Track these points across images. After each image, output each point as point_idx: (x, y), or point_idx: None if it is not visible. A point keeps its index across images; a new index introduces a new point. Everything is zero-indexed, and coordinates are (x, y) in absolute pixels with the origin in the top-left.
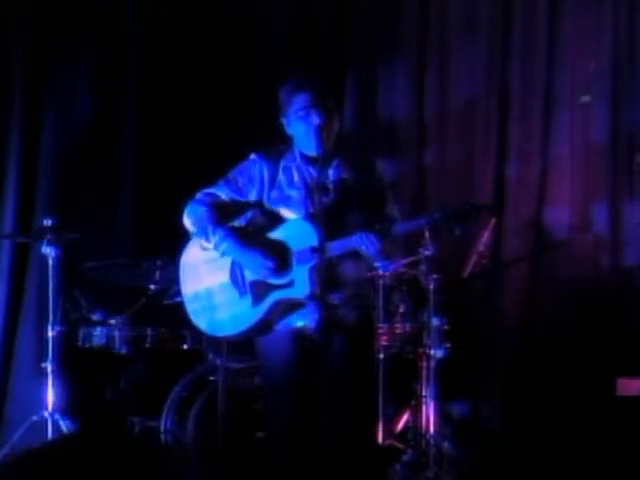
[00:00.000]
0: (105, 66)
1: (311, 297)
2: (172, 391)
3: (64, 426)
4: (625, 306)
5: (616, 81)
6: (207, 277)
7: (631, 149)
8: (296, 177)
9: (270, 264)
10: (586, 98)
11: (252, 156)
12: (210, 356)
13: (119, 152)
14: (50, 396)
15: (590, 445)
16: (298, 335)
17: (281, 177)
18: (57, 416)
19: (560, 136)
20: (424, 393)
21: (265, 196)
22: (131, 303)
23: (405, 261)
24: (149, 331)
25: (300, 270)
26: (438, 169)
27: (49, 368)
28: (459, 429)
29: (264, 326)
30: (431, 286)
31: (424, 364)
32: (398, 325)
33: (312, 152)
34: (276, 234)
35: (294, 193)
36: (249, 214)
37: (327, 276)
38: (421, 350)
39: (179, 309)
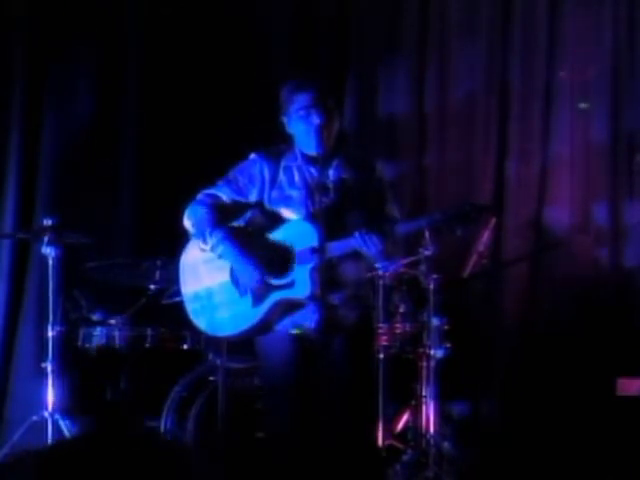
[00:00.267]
0: (105, 66)
1: (311, 297)
2: (172, 391)
3: (64, 426)
4: (625, 306)
5: (616, 81)
6: (207, 277)
7: (631, 149)
8: (297, 177)
9: (258, 277)
10: (584, 105)
11: (252, 156)
12: (210, 356)
13: (119, 152)
14: (50, 396)
15: (590, 445)
16: (298, 335)
17: (282, 177)
18: (57, 416)
19: (560, 136)
20: (424, 393)
21: (266, 196)
22: (131, 303)
23: (405, 261)
24: (149, 331)
25: (300, 270)
26: (438, 169)
27: (49, 368)
28: (459, 429)
29: (264, 326)
30: (431, 286)
31: (424, 364)
32: (398, 325)
33: (312, 152)
34: (276, 234)
35: (295, 193)
36: (248, 214)
37: (327, 276)
38: (421, 350)
39: (179, 309)
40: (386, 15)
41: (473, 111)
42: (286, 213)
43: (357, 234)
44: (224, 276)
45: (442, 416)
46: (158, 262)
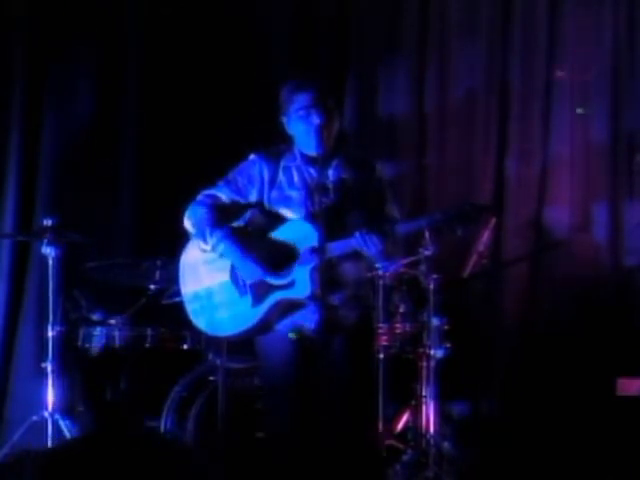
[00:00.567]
0: (105, 66)
1: (311, 297)
2: (172, 391)
3: (64, 426)
4: (625, 306)
5: (616, 81)
6: (207, 277)
7: (631, 149)
8: (296, 177)
9: (260, 272)
10: (581, 110)
11: (252, 156)
12: (210, 356)
13: (119, 152)
14: (50, 396)
15: (590, 445)
16: (297, 338)
17: (281, 177)
18: (57, 416)
19: (560, 136)
20: (424, 393)
21: (265, 196)
22: (131, 303)
23: (405, 261)
24: (149, 331)
25: (301, 270)
26: (438, 169)
27: (49, 368)
28: (459, 429)
29: (264, 326)
30: (431, 286)
31: (424, 364)
32: (398, 325)
33: (312, 152)
34: (276, 235)
35: (294, 193)
36: (248, 214)
37: (327, 276)
38: (421, 350)
39: (179, 309)
40: (386, 15)
41: (473, 111)
42: (286, 213)
43: (357, 234)
44: (224, 276)
45: (442, 416)
46: (158, 262)
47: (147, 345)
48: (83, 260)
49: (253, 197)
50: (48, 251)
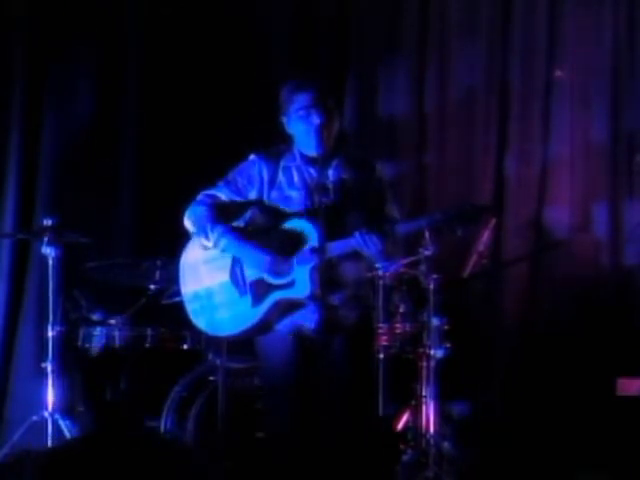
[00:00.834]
0: (105, 66)
1: (311, 297)
2: (172, 391)
3: (64, 426)
4: (625, 306)
5: (616, 81)
6: (207, 277)
7: (631, 149)
8: (296, 177)
9: (268, 258)
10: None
11: (251, 157)
12: (210, 356)
13: (119, 152)
14: (50, 396)
15: (590, 445)
16: (298, 335)
17: (281, 178)
18: (57, 416)
19: (560, 136)
20: (424, 393)
21: (265, 197)
22: (131, 303)
23: (405, 261)
24: (149, 331)
25: (301, 270)
26: (438, 169)
27: (49, 368)
28: (459, 429)
29: (264, 326)
30: (431, 286)
31: (424, 364)
32: (398, 325)
33: (312, 152)
34: (279, 230)
35: (294, 193)
36: (248, 214)
37: (327, 276)
38: (421, 350)
39: (179, 309)
40: (386, 15)
41: (473, 111)
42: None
43: (357, 234)
44: (224, 276)
45: (442, 416)
46: (158, 262)
47: (147, 345)
48: (83, 260)
49: (252, 197)
50: (48, 251)
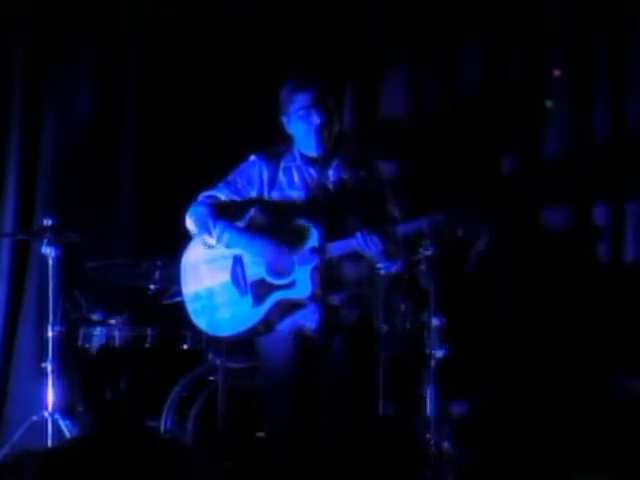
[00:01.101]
0: (105, 66)
1: (312, 298)
2: (172, 391)
3: (64, 426)
4: (625, 306)
5: (616, 81)
6: (208, 277)
7: (631, 149)
8: (296, 178)
9: (273, 248)
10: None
11: (252, 157)
12: (210, 356)
13: (119, 152)
14: (50, 396)
15: (590, 445)
16: (298, 335)
17: (281, 178)
18: (57, 416)
19: (560, 136)
20: (424, 393)
21: (265, 197)
22: (131, 303)
23: (406, 261)
24: (149, 331)
25: (301, 270)
26: (438, 169)
27: (49, 368)
28: (459, 429)
29: (265, 326)
30: (431, 286)
31: (424, 364)
32: (398, 325)
33: (312, 152)
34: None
35: (294, 194)
36: (250, 213)
37: (328, 277)
38: (421, 350)
39: (179, 309)
40: (386, 15)
41: (473, 111)
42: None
43: (358, 234)
44: (225, 276)
45: (442, 416)
46: (158, 262)
47: (147, 345)
48: (83, 260)
49: (252, 197)
50: (48, 251)
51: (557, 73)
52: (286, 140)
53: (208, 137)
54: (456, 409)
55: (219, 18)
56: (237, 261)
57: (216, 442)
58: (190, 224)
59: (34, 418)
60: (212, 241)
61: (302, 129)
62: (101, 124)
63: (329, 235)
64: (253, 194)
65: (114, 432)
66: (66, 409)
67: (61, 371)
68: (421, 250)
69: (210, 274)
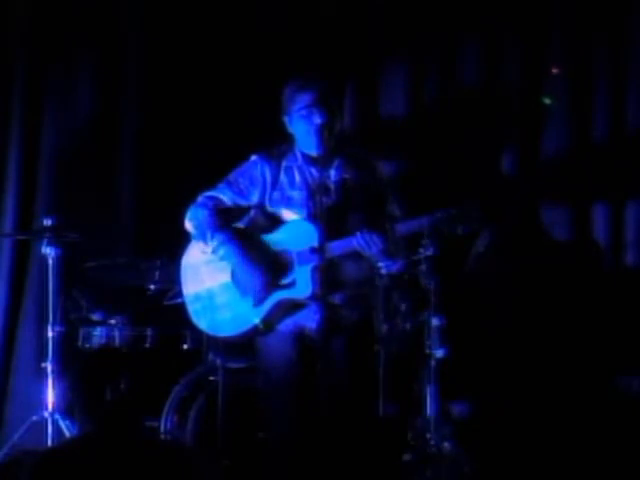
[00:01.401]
0: (105, 66)
1: (312, 297)
2: (172, 391)
3: (64, 426)
4: (625, 306)
5: (616, 81)
6: (208, 278)
7: (631, 149)
8: (298, 178)
9: (262, 281)
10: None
11: (253, 157)
12: (210, 356)
13: (119, 152)
14: (50, 396)
15: (590, 445)
16: (299, 335)
17: (283, 178)
18: (57, 416)
19: (560, 135)
20: (424, 393)
21: (267, 197)
22: (131, 303)
23: (407, 260)
24: (149, 331)
25: (302, 270)
26: (438, 169)
27: (49, 368)
28: (459, 429)
29: (265, 326)
30: (431, 286)
31: (424, 364)
32: (398, 325)
33: (313, 151)
34: (278, 234)
35: (296, 194)
36: (251, 214)
37: (328, 276)
38: (421, 350)
39: (179, 309)
40: (386, 15)
41: (473, 111)
42: (287, 214)
43: (358, 234)
44: (225, 277)
45: (442, 416)
46: (158, 262)
47: (147, 345)
48: (83, 260)
49: (255, 198)
50: (48, 251)
51: (555, 71)
52: (287, 139)
53: (208, 137)
54: (456, 409)
55: (219, 18)
56: None
57: (216, 442)
58: (189, 227)
59: (34, 418)
60: (208, 250)
61: (303, 129)
62: (101, 124)
63: (329, 235)
64: (255, 194)
65: (114, 432)
66: (66, 409)
67: (61, 371)
68: (421, 250)
69: (210, 275)
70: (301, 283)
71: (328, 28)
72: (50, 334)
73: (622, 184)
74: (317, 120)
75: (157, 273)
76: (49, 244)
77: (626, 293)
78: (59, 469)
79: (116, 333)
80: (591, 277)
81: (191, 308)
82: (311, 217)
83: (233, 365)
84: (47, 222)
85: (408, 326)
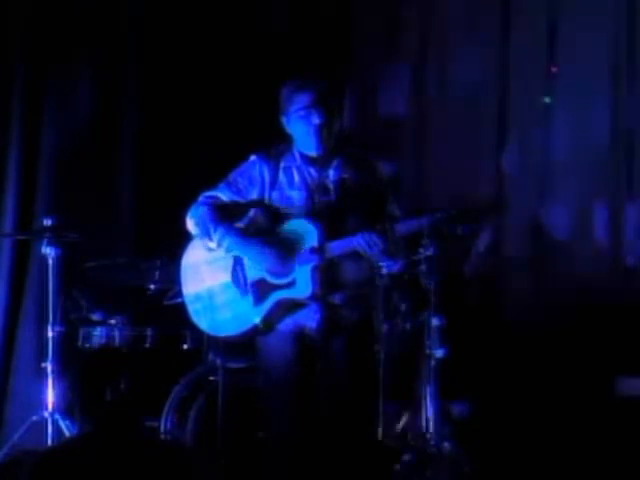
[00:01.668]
0: (105, 66)
1: (313, 297)
2: (172, 391)
3: (64, 426)
4: (625, 306)
5: (616, 81)
6: (208, 277)
7: (631, 149)
8: (297, 178)
9: (272, 253)
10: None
11: (252, 157)
12: (210, 356)
13: (119, 152)
14: (50, 396)
15: (590, 445)
16: (299, 335)
17: (282, 178)
18: (57, 416)
19: (560, 136)
20: (424, 393)
21: (266, 197)
22: (131, 303)
23: (408, 260)
24: (149, 331)
25: (302, 270)
26: (438, 169)
27: (49, 368)
28: (459, 429)
29: (265, 326)
30: (431, 286)
31: (424, 364)
32: (398, 325)
33: (311, 152)
34: (279, 232)
35: (295, 194)
36: (251, 213)
37: (328, 276)
38: (421, 350)
39: (179, 309)
40: (386, 15)
41: (473, 111)
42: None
43: (358, 234)
44: (225, 277)
45: (442, 416)
46: (158, 262)
47: (147, 345)
48: (83, 260)
49: (253, 198)
50: (48, 251)
51: (554, 70)
52: (286, 140)
53: (208, 137)
54: (456, 409)
55: (219, 18)
56: (237, 261)
57: (216, 442)
58: (191, 226)
59: (34, 418)
60: (212, 245)
61: (302, 129)
62: (101, 124)
63: (329, 235)
64: (254, 194)
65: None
66: (66, 409)
67: (61, 371)
68: (421, 250)
69: (210, 274)
70: (301, 283)
71: (328, 28)
72: (50, 334)
73: (622, 184)
74: (316, 120)
75: (157, 273)
76: (49, 244)
77: (626, 293)
78: (59, 469)
79: (116, 333)
80: (591, 277)
81: (191, 308)
82: (311, 217)
83: (233, 365)
84: (47, 222)
85: (408, 326)
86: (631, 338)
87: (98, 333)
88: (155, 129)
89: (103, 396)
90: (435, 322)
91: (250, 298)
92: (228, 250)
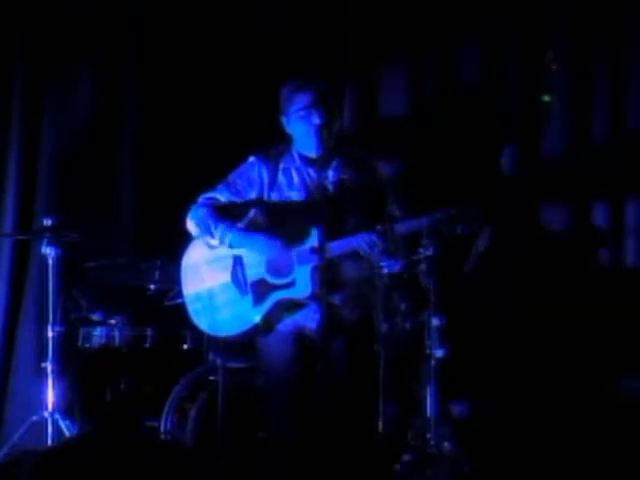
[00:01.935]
0: (105, 66)
1: (312, 297)
2: (172, 391)
3: (64, 426)
4: (625, 306)
5: (616, 81)
6: (208, 278)
7: (631, 149)
8: (296, 179)
9: (277, 243)
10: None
11: (251, 159)
12: (210, 356)
13: (119, 152)
14: (50, 396)
15: (590, 445)
16: (299, 335)
17: (281, 179)
18: (57, 416)
19: (560, 135)
20: (424, 393)
21: (265, 198)
22: (131, 303)
23: (408, 260)
24: (149, 331)
25: (301, 270)
26: (438, 169)
27: (49, 368)
28: (459, 429)
29: (265, 326)
30: (431, 286)
31: (424, 364)
32: (398, 325)
33: (311, 152)
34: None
35: (294, 195)
36: (251, 214)
37: (328, 276)
38: (421, 350)
39: (179, 309)
40: (386, 15)
41: (473, 111)
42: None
43: (358, 234)
44: (225, 277)
45: (442, 416)
46: (158, 262)
47: (147, 345)
48: (83, 260)
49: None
50: (48, 251)
51: (554, 67)
52: (285, 140)
53: (208, 137)
54: (456, 409)
55: (219, 18)
56: (237, 261)
57: (216, 442)
58: (191, 226)
59: (34, 418)
60: (214, 242)
61: (302, 129)
62: (101, 124)
63: (329, 235)
64: (253, 195)
65: (114, 432)
66: (66, 409)
67: (61, 371)
68: (421, 250)
69: (210, 275)
70: (301, 283)
71: (328, 28)
72: (50, 334)
73: (622, 184)
74: (316, 121)
75: (157, 273)
76: (49, 244)
77: (626, 293)
78: (59, 469)
79: (116, 333)
80: (591, 277)
81: (191, 308)
82: (310, 217)
83: (233, 365)
84: (47, 222)
85: (408, 326)
86: (631, 338)
87: (98, 333)
88: (155, 129)
89: (103, 396)
90: (435, 322)
91: (250, 298)
92: (231, 246)
